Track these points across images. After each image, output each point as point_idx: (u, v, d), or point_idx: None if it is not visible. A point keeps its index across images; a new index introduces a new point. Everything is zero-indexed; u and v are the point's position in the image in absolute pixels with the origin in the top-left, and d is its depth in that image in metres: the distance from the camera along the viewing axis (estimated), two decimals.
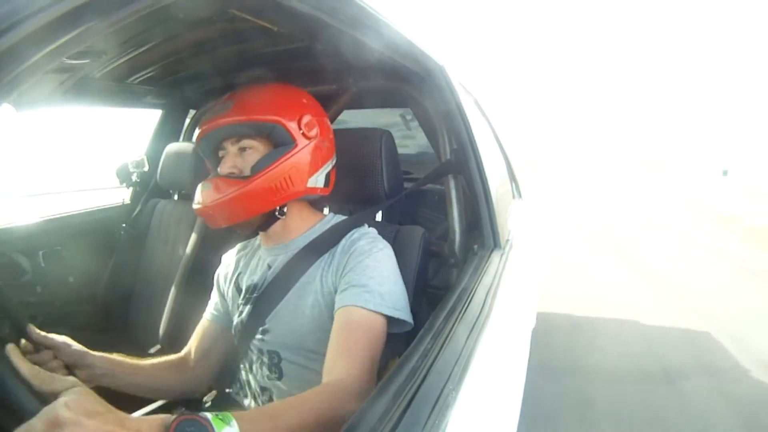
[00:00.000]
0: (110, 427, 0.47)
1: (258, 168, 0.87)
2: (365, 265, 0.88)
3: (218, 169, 0.92)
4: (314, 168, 0.94)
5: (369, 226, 1.00)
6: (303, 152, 0.91)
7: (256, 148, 0.90)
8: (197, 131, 0.94)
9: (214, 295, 1.09)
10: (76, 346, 0.82)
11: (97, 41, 0.81)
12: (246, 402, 0.99)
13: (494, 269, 1.16)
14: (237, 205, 0.87)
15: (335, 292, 0.88)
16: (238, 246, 1.11)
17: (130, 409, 0.96)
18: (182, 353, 1.04)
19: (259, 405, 0.96)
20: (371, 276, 0.86)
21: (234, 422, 0.54)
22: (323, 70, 1.30)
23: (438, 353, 0.73)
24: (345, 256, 0.91)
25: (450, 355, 0.75)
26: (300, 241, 0.96)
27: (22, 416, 0.47)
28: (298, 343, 0.91)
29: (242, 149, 0.90)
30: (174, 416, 0.51)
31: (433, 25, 1.26)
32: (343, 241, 0.94)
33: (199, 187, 0.91)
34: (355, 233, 0.95)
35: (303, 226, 0.98)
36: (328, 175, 0.97)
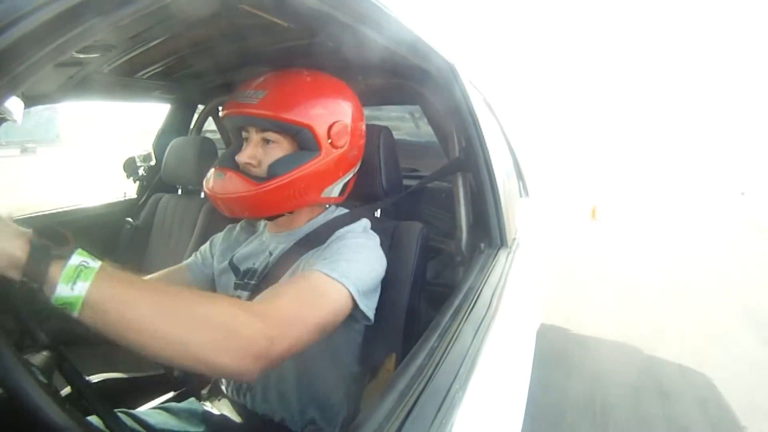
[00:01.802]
0: None
1: (275, 170, 0.84)
2: (342, 245, 0.86)
3: (236, 157, 0.88)
4: (333, 178, 0.92)
5: (368, 221, 0.98)
6: (325, 162, 0.87)
7: (279, 144, 0.86)
8: (223, 109, 0.91)
9: (203, 252, 1.06)
10: None
11: (105, 36, 0.81)
12: (225, 388, 0.99)
13: (501, 268, 1.16)
14: (244, 204, 0.86)
15: None
16: (243, 222, 1.08)
17: (137, 402, 0.97)
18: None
19: (235, 393, 0.96)
20: (345, 253, 0.83)
21: (99, 262, 0.52)
22: (331, 67, 1.30)
23: (444, 352, 0.73)
24: (326, 243, 0.89)
25: (457, 354, 0.74)
26: (303, 230, 0.94)
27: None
28: None
29: (266, 140, 0.86)
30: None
31: (442, 21, 1.25)
32: (332, 236, 0.91)
33: (213, 171, 0.89)
34: (346, 232, 0.92)
35: (309, 215, 0.96)
36: (345, 184, 0.96)
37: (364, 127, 0.97)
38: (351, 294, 0.78)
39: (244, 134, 0.89)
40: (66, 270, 0.48)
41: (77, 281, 0.49)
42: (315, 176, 0.87)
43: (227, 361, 0.58)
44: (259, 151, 0.86)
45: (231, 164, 0.89)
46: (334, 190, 0.93)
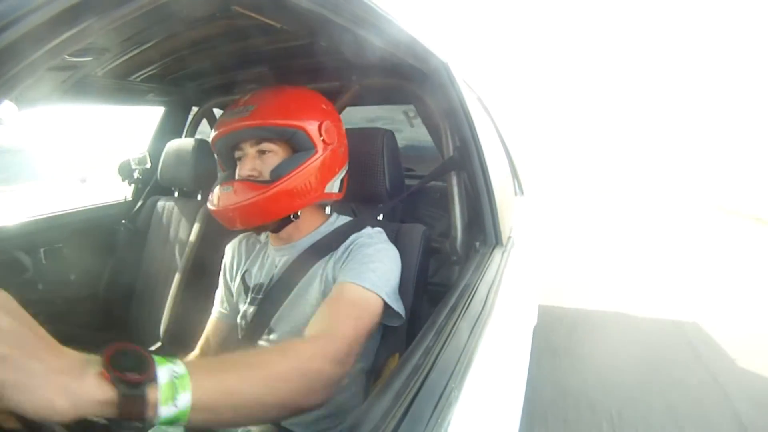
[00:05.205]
0: (26, 331, 0.42)
1: (278, 173, 0.88)
2: (365, 253, 0.90)
3: (237, 172, 0.93)
4: (332, 173, 0.96)
5: (372, 227, 1.00)
6: (322, 158, 0.92)
7: (275, 152, 0.91)
8: (214, 132, 0.94)
9: (222, 289, 1.10)
10: None
11: (98, 39, 0.81)
12: None
13: (496, 266, 1.16)
14: (257, 209, 0.88)
15: (335, 282, 0.89)
16: (241, 236, 1.12)
17: None
18: (195, 353, 1.06)
19: None
20: (370, 261, 0.88)
21: (181, 365, 0.50)
22: (325, 67, 1.30)
23: (440, 351, 0.73)
24: (346, 252, 0.93)
25: (452, 353, 0.74)
26: (305, 241, 0.98)
27: None
28: None
29: (261, 152, 0.91)
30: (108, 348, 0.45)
31: (436, 21, 1.25)
32: (345, 243, 0.95)
33: (218, 188, 0.92)
34: (360, 237, 0.96)
35: (311, 226, 1.00)
36: (342, 180, 1.00)
37: (344, 130, 1.01)
38: (383, 300, 0.85)
39: (237, 153, 0.94)
40: (162, 391, 0.46)
41: (177, 396, 0.47)
42: (317, 172, 0.92)
43: (315, 399, 0.65)
44: (258, 163, 0.91)
45: (235, 179, 0.93)
46: (335, 185, 0.97)
